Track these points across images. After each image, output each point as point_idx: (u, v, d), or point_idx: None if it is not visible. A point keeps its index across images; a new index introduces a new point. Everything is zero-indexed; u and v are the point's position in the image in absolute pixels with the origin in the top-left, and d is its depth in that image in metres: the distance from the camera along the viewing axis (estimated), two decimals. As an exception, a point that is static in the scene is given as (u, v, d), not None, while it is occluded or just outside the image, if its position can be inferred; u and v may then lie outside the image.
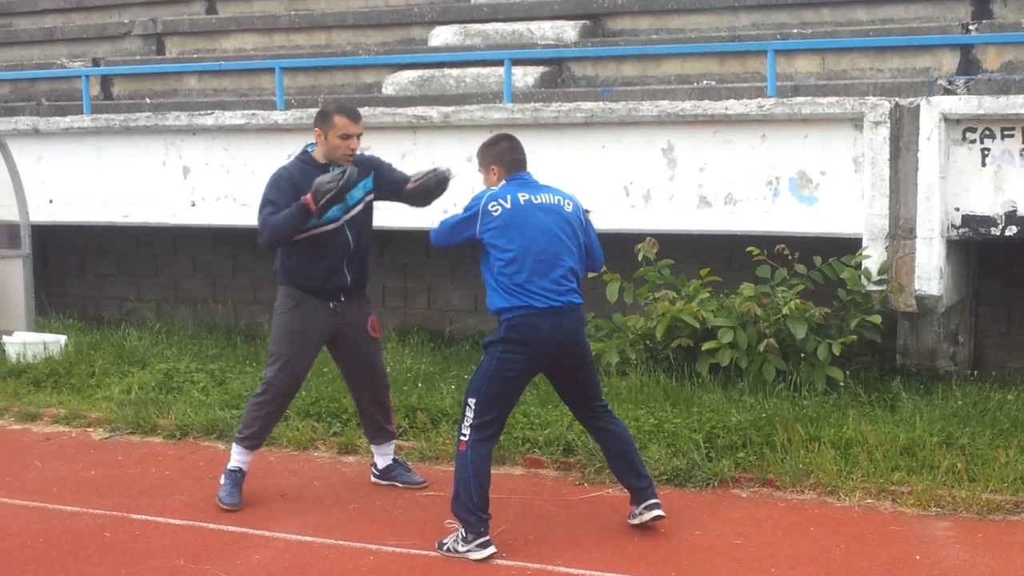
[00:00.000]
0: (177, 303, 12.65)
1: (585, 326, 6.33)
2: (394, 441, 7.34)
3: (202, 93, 13.18)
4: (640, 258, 9.11)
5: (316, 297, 6.78)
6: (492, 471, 6.31)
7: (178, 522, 6.61)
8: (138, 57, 14.05)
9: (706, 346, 8.60)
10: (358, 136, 6.79)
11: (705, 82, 10.75)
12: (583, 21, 12.09)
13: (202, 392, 8.95)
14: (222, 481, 6.94)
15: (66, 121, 11.76)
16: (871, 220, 8.70)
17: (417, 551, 6.07)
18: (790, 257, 8.81)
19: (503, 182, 6.22)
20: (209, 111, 11.20)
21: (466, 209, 6.16)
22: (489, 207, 6.09)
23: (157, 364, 9.60)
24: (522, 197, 6.12)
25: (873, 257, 8.66)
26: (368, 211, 6.92)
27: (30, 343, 10.16)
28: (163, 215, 11.30)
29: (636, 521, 6.37)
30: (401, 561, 5.96)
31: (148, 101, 12.84)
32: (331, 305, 6.82)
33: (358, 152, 6.90)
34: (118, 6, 14.96)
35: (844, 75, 10.48)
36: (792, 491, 6.94)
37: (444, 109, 10.19)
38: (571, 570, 5.80)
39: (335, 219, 6.71)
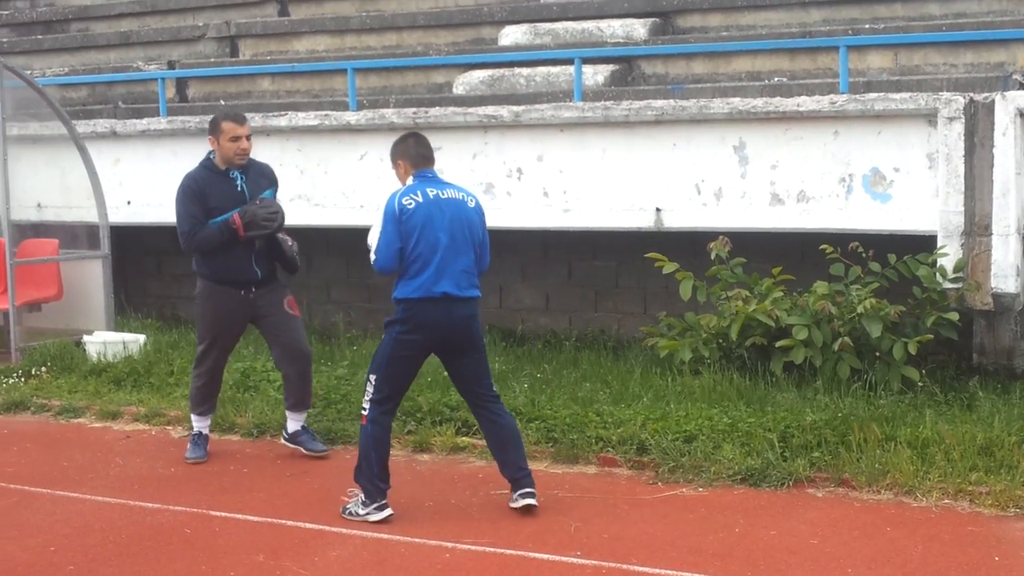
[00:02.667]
0: (252, 302, 12.76)
1: (478, 317, 6.77)
2: (307, 410, 8.08)
3: (275, 95, 13.32)
4: (712, 256, 9.07)
5: (229, 287, 7.61)
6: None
7: (256, 519, 6.71)
8: (212, 59, 14.21)
9: (780, 344, 8.57)
10: (247, 137, 7.65)
11: (776, 79, 10.70)
12: (653, 19, 12.07)
13: (278, 391, 9.02)
14: (188, 446, 7.92)
15: (143, 123, 11.93)
16: (946, 217, 8.61)
17: (492, 549, 6.12)
18: (864, 255, 8.75)
19: (410, 178, 6.66)
20: (282, 112, 11.31)
21: (384, 217, 6.54)
22: (403, 201, 6.52)
23: (234, 363, 9.64)
24: (431, 192, 6.57)
25: (949, 255, 8.57)
26: None
27: (110, 342, 10.34)
28: (238, 215, 11.42)
29: (514, 505, 6.71)
30: (476, 559, 6.01)
31: (222, 103, 12.98)
32: (242, 293, 7.63)
33: (257, 159, 7.88)
34: (192, 9, 15.16)
35: (917, 70, 10.37)
36: (868, 491, 6.89)
37: (514, 108, 10.22)
38: (646, 569, 5.82)
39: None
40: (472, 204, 6.70)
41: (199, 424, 7.95)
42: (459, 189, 6.74)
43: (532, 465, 7.51)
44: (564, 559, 5.99)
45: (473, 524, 6.53)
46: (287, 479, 7.40)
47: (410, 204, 6.48)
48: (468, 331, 6.64)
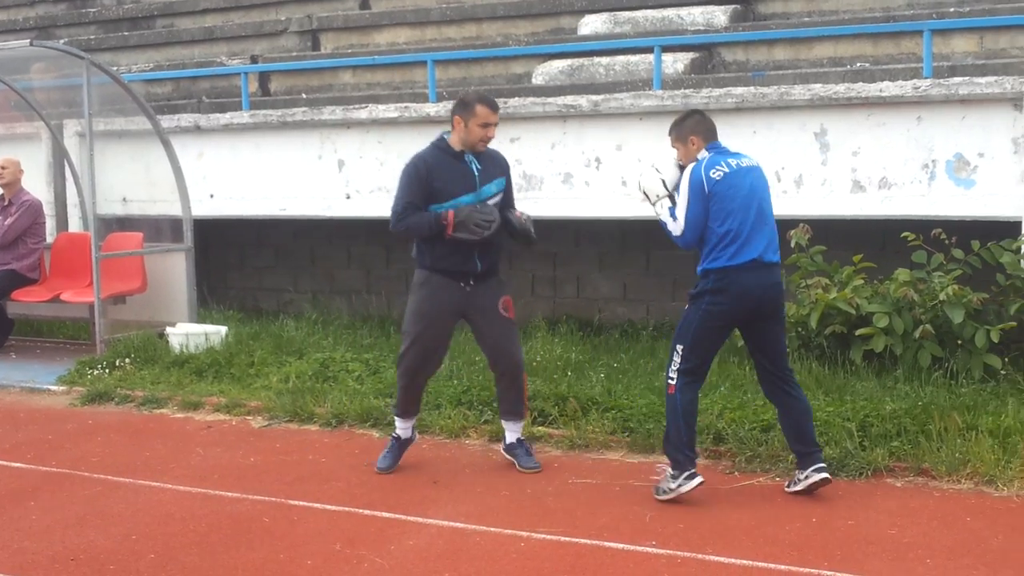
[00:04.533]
0: (332, 294, 12.91)
1: (782, 283, 6.72)
2: (522, 421, 7.53)
3: (356, 87, 13.42)
4: (792, 244, 8.99)
5: (447, 277, 7.15)
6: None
7: (334, 508, 6.75)
8: (294, 53, 14.35)
9: (860, 332, 8.46)
10: (495, 126, 7.12)
11: (859, 64, 10.56)
12: (733, 5, 11.99)
13: (357, 381, 9.11)
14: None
15: (226, 118, 12.09)
16: (1032, 203, 8.46)
17: (567, 538, 6.10)
18: (947, 242, 8.62)
19: (704, 150, 6.62)
20: (363, 105, 11.39)
21: (690, 191, 6.50)
22: (711, 173, 6.49)
23: (314, 354, 9.80)
24: (732, 163, 6.55)
25: (1034, 241, 8.42)
26: (496, 206, 7.18)
27: (192, 334, 10.46)
28: (319, 208, 11.54)
29: (798, 488, 6.63)
30: (551, 548, 5.99)
31: (304, 96, 13.11)
32: (461, 284, 7.16)
33: (493, 148, 7.28)
34: (275, 4, 15.34)
35: (1003, 54, 10.19)
36: (948, 480, 6.79)
37: (594, 97, 10.20)
38: (721, 559, 5.76)
39: None
40: (763, 171, 6.75)
41: (401, 426, 7.48)
42: (749, 158, 6.72)
43: (608, 455, 7.57)
44: (639, 548, 5.95)
45: (548, 513, 6.51)
46: (365, 469, 7.44)
47: (717, 175, 6.48)
48: (776, 298, 6.64)
